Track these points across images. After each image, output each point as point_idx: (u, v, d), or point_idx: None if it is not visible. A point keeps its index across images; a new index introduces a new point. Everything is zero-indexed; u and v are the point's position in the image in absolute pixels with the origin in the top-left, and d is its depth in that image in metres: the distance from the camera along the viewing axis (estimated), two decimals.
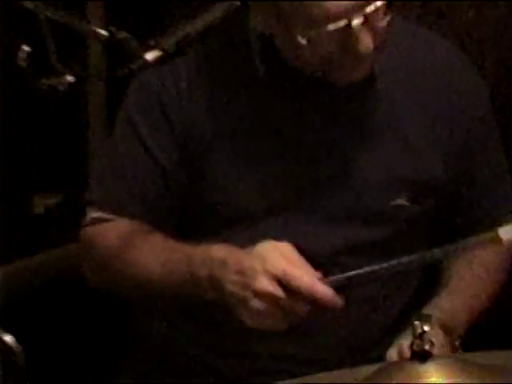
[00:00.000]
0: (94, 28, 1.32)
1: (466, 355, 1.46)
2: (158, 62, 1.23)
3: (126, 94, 1.63)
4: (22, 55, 1.19)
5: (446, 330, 1.48)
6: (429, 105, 1.60)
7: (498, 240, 1.35)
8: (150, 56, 1.22)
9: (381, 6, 1.42)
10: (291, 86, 1.55)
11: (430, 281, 1.68)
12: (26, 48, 1.19)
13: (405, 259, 1.44)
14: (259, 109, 1.56)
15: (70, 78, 1.18)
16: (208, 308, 1.53)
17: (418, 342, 1.12)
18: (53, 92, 1.17)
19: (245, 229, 1.55)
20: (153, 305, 1.69)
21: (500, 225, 1.50)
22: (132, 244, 1.55)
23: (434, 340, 1.34)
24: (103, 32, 1.28)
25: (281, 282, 1.35)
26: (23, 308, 1.90)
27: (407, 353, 1.30)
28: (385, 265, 1.41)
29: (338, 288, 1.38)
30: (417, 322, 1.13)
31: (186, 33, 1.26)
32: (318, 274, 1.37)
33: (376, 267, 1.39)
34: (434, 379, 1.10)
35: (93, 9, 2.30)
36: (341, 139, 1.57)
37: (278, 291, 1.34)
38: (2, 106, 2.19)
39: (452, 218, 1.66)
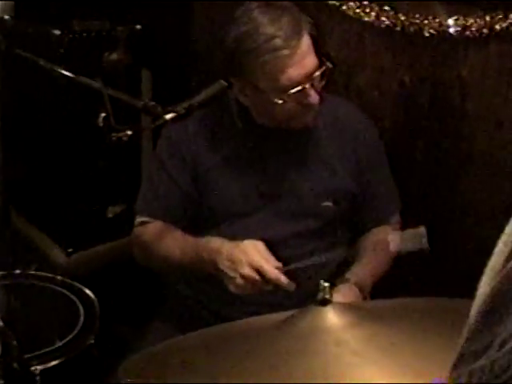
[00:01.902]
0: (136, 100, 1.64)
1: (362, 303, 1.78)
2: (173, 120, 1.57)
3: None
4: (100, 119, 1.53)
5: (359, 286, 1.81)
6: (341, 141, 1.93)
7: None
8: (168, 116, 1.57)
9: (321, 73, 1.76)
10: (258, 134, 1.88)
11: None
12: (102, 114, 1.53)
13: (328, 255, 1.79)
14: (238, 148, 1.90)
15: (129, 132, 1.53)
16: (214, 277, 1.80)
17: (321, 294, 1.32)
18: (119, 141, 1.53)
19: (231, 224, 1.89)
20: (177, 274, 2.03)
21: (386, 219, 1.95)
22: (162, 237, 1.90)
23: (349, 292, 1.75)
24: (139, 102, 1.61)
25: (257, 271, 1.66)
26: (98, 275, 2.35)
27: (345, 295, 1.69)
28: (316, 258, 1.75)
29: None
30: (321, 282, 1.33)
31: (193, 102, 1.60)
32: (279, 264, 1.69)
33: (309, 262, 1.71)
34: (330, 317, 1.29)
35: (145, 85, 2.58)
36: (289, 165, 1.90)
37: (256, 277, 1.67)
38: (90, 151, 2.51)
39: (356, 214, 1.97)
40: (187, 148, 1.92)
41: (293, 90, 1.73)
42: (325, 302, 1.30)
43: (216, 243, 1.77)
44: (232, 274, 1.70)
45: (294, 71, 1.72)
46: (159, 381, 1.19)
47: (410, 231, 1.67)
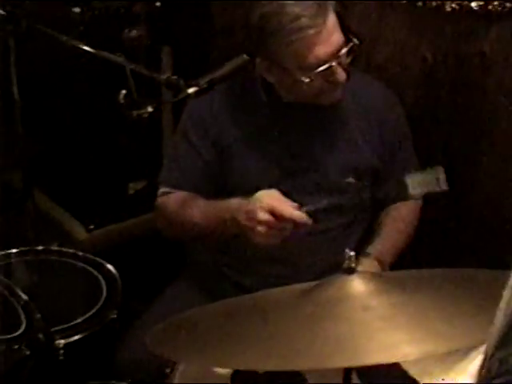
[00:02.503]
0: (157, 74, 1.65)
1: (386, 272, 1.83)
2: (196, 94, 1.58)
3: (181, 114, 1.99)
4: (121, 96, 1.54)
5: (379, 261, 1.85)
6: (366, 118, 1.93)
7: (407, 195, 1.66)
8: (191, 90, 1.58)
9: (347, 50, 1.76)
10: (282, 108, 1.89)
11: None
12: (123, 91, 1.53)
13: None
14: (262, 122, 1.91)
15: (150, 109, 1.54)
16: (234, 243, 1.89)
17: (347, 262, 1.32)
18: (140, 118, 1.54)
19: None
20: (199, 242, 2.03)
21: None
22: (185, 205, 1.92)
23: (370, 266, 1.79)
24: (163, 76, 1.62)
25: (272, 213, 1.69)
26: (121, 249, 2.36)
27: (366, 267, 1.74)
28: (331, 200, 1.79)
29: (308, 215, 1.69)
30: (347, 250, 1.33)
31: (215, 75, 1.61)
32: (296, 205, 1.72)
33: (322, 205, 1.75)
34: (356, 285, 1.30)
35: (165, 61, 2.56)
36: (314, 140, 1.90)
37: (271, 218, 1.69)
38: (111, 127, 2.54)
39: (378, 189, 1.95)
40: (211, 121, 1.94)
41: (320, 69, 1.74)
42: (351, 271, 1.32)
43: (235, 201, 1.80)
44: (250, 224, 1.72)
45: (321, 50, 1.72)
46: (186, 349, 1.21)
47: (428, 171, 1.66)
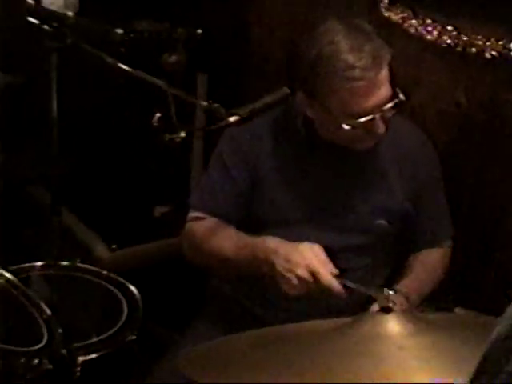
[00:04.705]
0: (199, 101, 1.72)
1: (422, 313, 1.78)
2: (237, 123, 1.61)
3: (217, 142, 2.00)
4: (154, 119, 1.55)
5: (407, 299, 1.79)
6: (400, 161, 1.94)
7: None
8: (232, 119, 1.60)
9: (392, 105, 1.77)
10: (319, 145, 1.89)
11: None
12: (157, 114, 1.55)
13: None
14: (299, 156, 1.92)
15: (182, 134, 1.56)
16: (259, 279, 1.86)
17: (384, 301, 1.38)
18: (172, 142, 1.55)
19: (282, 232, 1.85)
20: (224, 274, 2.02)
21: (439, 242, 1.98)
22: (216, 234, 1.91)
23: (397, 303, 1.67)
24: (204, 103, 1.66)
25: (312, 273, 1.68)
26: (140, 273, 2.23)
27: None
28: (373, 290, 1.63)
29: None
30: (385, 289, 1.41)
31: (256, 106, 1.63)
32: (335, 271, 1.70)
33: (364, 290, 1.65)
34: (393, 324, 1.35)
35: (200, 88, 2.64)
36: (347, 180, 1.91)
37: (310, 278, 1.69)
38: (141, 149, 2.56)
39: (409, 233, 1.98)
40: (249, 149, 1.94)
41: (362, 119, 1.74)
42: (388, 310, 1.35)
43: (273, 242, 1.79)
44: (288, 274, 1.71)
45: (367, 102, 1.73)
46: (219, 375, 1.21)
47: None
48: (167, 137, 1.55)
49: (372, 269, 1.97)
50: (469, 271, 2.20)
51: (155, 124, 1.56)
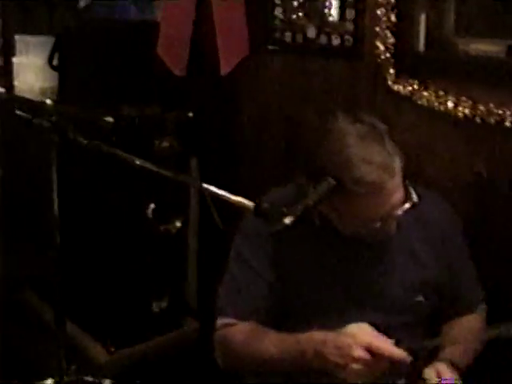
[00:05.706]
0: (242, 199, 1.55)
1: None
2: (292, 223, 1.51)
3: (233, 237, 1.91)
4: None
5: (452, 366, 1.80)
6: (427, 233, 1.89)
7: None
8: (287, 220, 1.50)
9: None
10: (339, 239, 1.81)
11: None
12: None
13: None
14: (320, 248, 1.85)
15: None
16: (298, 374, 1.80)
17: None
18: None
19: (320, 318, 1.80)
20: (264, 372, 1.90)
21: (474, 308, 1.96)
22: (255, 339, 1.83)
23: (445, 371, 1.77)
24: (250, 203, 1.53)
25: (369, 350, 1.63)
26: (140, 373, 2.30)
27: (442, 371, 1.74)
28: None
29: None
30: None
31: (308, 202, 1.56)
32: (392, 341, 1.66)
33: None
34: None
35: (193, 172, 2.45)
36: (375, 263, 1.86)
37: (368, 356, 1.63)
38: (137, 244, 2.35)
39: (443, 303, 1.94)
40: (268, 243, 1.87)
41: (374, 224, 1.70)
42: None
43: (319, 335, 1.72)
44: (342, 361, 1.65)
45: (378, 208, 1.67)
46: None
47: None
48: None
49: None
50: None
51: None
